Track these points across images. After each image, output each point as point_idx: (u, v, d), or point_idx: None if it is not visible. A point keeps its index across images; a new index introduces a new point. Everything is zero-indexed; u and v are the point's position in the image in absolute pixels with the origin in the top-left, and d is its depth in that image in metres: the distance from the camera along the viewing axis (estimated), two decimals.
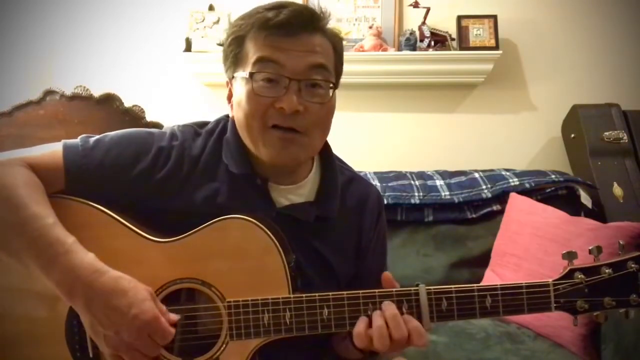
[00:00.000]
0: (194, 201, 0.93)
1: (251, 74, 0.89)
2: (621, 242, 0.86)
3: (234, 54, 0.93)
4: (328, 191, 1.00)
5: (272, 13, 0.88)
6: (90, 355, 0.86)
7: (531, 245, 1.74)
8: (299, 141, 0.91)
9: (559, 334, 1.56)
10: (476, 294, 0.85)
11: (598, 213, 1.98)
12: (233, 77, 0.94)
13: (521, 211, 1.87)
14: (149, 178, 0.92)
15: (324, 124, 0.94)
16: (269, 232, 0.87)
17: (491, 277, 1.82)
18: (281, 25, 0.87)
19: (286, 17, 0.87)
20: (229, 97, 0.98)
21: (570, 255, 0.86)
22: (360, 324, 0.84)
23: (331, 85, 0.92)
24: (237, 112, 0.93)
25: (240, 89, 0.92)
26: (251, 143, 0.93)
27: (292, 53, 0.88)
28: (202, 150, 0.97)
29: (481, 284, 0.87)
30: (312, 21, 0.90)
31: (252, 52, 0.90)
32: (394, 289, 0.86)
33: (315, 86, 0.90)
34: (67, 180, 0.89)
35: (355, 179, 1.07)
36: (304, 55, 0.88)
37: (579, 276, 0.85)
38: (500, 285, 0.86)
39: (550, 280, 0.86)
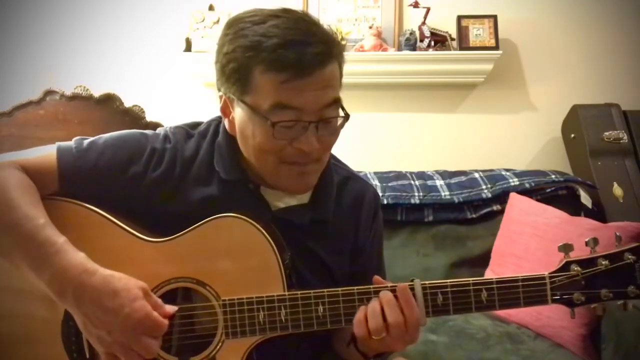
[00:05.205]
0: (188, 204, 0.92)
1: (273, 123, 0.82)
2: (618, 234, 0.85)
3: (236, 79, 0.85)
4: (322, 193, 0.99)
5: (292, 55, 0.80)
6: (87, 355, 0.86)
7: (531, 245, 1.73)
8: (313, 169, 0.91)
9: (559, 334, 1.55)
10: (471, 288, 0.85)
11: (598, 213, 1.97)
12: (233, 98, 0.88)
13: (521, 211, 1.86)
14: (142, 180, 0.92)
15: (333, 145, 0.93)
16: (262, 230, 0.86)
17: None
18: (302, 69, 0.80)
19: (308, 61, 0.80)
20: (225, 111, 0.93)
21: (566, 248, 0.85)
22: (360, 313, 0.84)
23: (342, 115, 0.89)
24: (246, 141, 0.89)
25: (251, 123, 0.86)
26: (262, 172, 0.91)
27: (309, 94, 0.82)
28: (195, 152, 0.96)
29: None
30: (330, 55, 0.84)
31: (266, 91, 0.82)
32: (389, 284, 0.86)
33: (330, 121, 0.87)
34: (60, 182, 0.89)
35: (351, 178, 1.06)
36: (320, 94, 0.83)
37: (575, 268, 0.84)
38: (496, 279, 0.86)
39: (547, 273, 0.85)
